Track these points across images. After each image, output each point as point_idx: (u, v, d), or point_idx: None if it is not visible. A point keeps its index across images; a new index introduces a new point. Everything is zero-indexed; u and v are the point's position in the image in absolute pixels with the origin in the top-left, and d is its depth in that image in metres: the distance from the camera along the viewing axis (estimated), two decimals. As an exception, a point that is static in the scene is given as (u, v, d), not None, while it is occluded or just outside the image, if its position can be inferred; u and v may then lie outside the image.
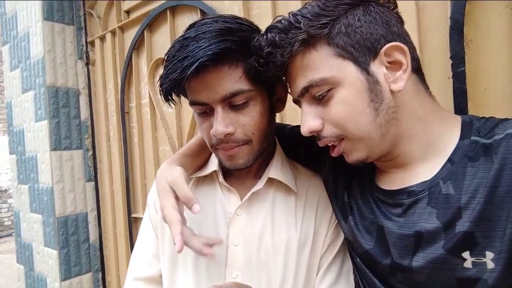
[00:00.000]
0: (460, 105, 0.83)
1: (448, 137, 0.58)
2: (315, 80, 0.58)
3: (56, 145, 1.97)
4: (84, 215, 2.09)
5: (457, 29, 0.83)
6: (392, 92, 0.57)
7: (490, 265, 0.51)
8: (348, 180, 0.72)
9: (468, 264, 0.52)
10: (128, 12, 1.83)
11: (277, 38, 0.57)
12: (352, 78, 0.56)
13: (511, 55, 0.79)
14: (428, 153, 0.59)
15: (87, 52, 2.07)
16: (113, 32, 1.90)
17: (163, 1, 1.60)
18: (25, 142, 2.17)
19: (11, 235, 7.16)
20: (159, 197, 0.69)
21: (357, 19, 0.56)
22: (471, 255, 0.52)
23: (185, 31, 0.66)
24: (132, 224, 1.91)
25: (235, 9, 1.34)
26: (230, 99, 0.64)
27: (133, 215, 1.90)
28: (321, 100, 0.58)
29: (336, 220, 0.76)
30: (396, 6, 0.61)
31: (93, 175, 2.12)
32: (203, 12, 1.45)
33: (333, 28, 0.56)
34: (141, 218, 1.82)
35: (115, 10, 1.88)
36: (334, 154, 0.63)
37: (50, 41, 1.95)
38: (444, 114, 0.61)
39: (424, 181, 0.58)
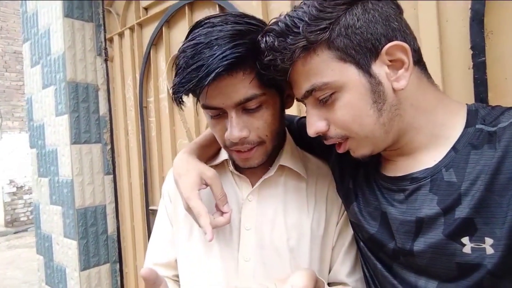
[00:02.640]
0: (481, 95, 0.84)
1: (452, 125, 0.58)
2: (318, 85, 0.58)
3: (76, 138, 2.02)
4: (103, 207, 2.14)
5: (478, 20, 0.85)
6: (394, 90, 0.57)
7: (490, 250, 0.51)
8: (355, 168, 0.73)
9: (467, 249, 0.53)
10: (146, 9, 1.87)
11: (276, 43, 0.56)
12: (354, 82, 0.56)
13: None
14: (432, 142, 0.59)
15: (105, 49, 2.12)
16: (131, 29, 1.94)
17: (182, -2, 1.63)
18: (45, 136, 2.23)
19: (27, 230, 7.32)
20: (181, 187, 0.71)
21: (356, 19, 0.55)
22: (471, 240, 0.53)
23: (193, 32, 0.65)
24: (150, 216, 1.95)
25: (254, 4, 1.37)
26: (243, 104, 0.65)
27: (151, 207, 1.94)
28: (325, 102, 0.59)
29: (345, 214, 0.77)
30: None
31: (112, 169, 2.17)
32: (221, 8, 1.48)
33: (333, 32, 0.55)
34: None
35: (133, 7, 1.92)
36: (340, 150, 0.64)
37: (70, 38, 2.00)
38: (448, 102, 0.61)
39: (427, 168, 0.59)
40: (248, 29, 0.64)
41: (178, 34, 1.71)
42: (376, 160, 0.69)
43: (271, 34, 0.57)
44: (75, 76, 2.02)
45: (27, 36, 2.34)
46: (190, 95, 0.68)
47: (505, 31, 0.84)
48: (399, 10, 0.60)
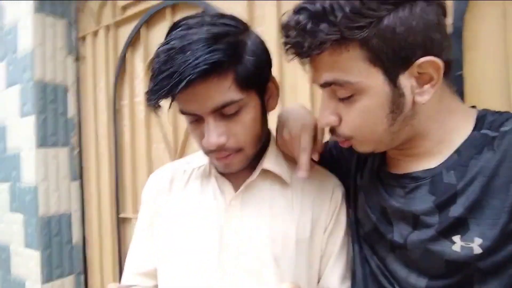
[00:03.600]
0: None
1: (460, 131, 0.59)
2: (340, 82, 0.56)
3: (42, 141, 1.90)
4: (68, 215, 2.02)
5: (457, 35, 0.89)
6: (414, 102, 0.56)
7: (477, 250, 0.52)
8: (362, 163, 0.75)
9: (456, 247, 0.54)
10: (124, 8, 1.81)
11: (308, 26, 0.52)
12: (378, 88, 0.55)
13: (506, 60, 0.84)
14: (439, 147, 0.60)
15: (77, 48, 2.03)
16: (107, 28, 1.87)
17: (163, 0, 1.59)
18: (6, 139, 2.08)
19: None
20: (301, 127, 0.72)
21: (399, 23, 0.51)
22: (461, 239, 0.54)
23: (170, 35, 0.64)
24: (120, 224, 1.86)
25: (238, 9, 1.35)
26: (221, 110, 0.63)
27: (121, 215, 1.85)
28: (343, 100, 0.58)
29: (335, 216, 0.77)
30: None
31: (79, 174, 2.06)
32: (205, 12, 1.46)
33: (370, 32, 0.51)
34: (130, 218, 1.79)
35: (109, 5, 1.85)
36: (345, 145, 0.65)
37: (41, 35, 1.89)
38: (460, 109, 0.61)
39: (429, 169, 0.60)
40: (225, 31, 0.61)
41: (158, 36, 1.66)
42: (381, 156, 0.70)
43: (304, 12, 0.53)
44: (44, 75, 1.91)
45: (-9, 31, 2.20)
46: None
47: (482, 47, 0.88)
48: (444, 15, 0.57)
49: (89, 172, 2.03)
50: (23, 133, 1.96)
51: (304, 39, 0.53)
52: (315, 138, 0.73)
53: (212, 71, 0.58)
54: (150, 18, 1.66)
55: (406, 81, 0.55)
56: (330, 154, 0.84)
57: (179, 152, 1.57)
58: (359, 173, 0.75)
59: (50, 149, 1.94)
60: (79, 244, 2.06)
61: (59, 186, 1.98)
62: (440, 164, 0.59)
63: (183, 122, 1.56)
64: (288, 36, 0.56)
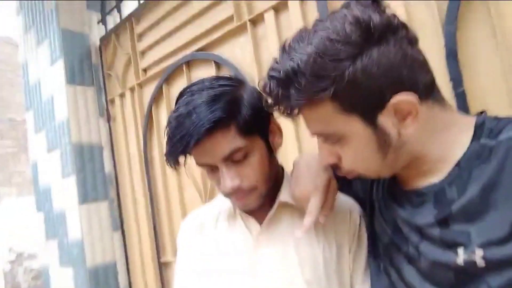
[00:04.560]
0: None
1: (460, 144, 0.58)
2: (324, 133, 0.61)
3: (84, 198, 2.07)
4: (113, 264, 2.14)
5: (452, 55, 0.97)
6: (400, 135, 0.58)
7: (480, 262, 0.52)
8: (379, 181, 0.78)
9: (460, 260, 0.54)
10: (145, 70, 2.00)
11: (279, 93, 0.56)
12: (360, 132, 0.57)
13: (503, 73, 0.91)
14: (441, 162, 0.60)
15: (107, 110, 2.23)
16: (131, 89, 2.06)
17: (179, 57, 1.76)
18: (52, 199, 2.27)
19: (27, 299, 7.04)
20: (312, 179, 0.74)
21: (360, 74, 0.53)
22: (465, 251, 0.54)
23: (178, 102, 0.74)
24: (162, 268, 1.96)
25: (247, 59, 1.50)
26: (230, 157, 0.71)
27: (162, 259, 1.96)
28: (334, 143, 0.62)
29: (357, 236, 0.82)
30: (408, 32, 0.57)
31: (120, 224, 2.20)
32: (217, 64, 1.61)
33: (337, 86, 0.53)
34: (170, 262, 1.89)
35: (132, 69, 2.05)
36: (350, 177, 0.69)
37: (74, 103, 2.11)
38: (457, 122, 0.60)
39: (432, 184, 0.61)
40: (222, 92, 0.72)
41: (177, 90, 1.80)
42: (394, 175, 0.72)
43: (273, 80, 0.57)
44: (80, 138, 2.10)
45: (30, 104, 2.44)
46: None
47: (478, 63, 0.95)
48: (413, 43, 0.57)
49: (129, 221, 2.17)
50: (66, 192, 2.13)
51: (279, 104, 0.59)
52: (326, 197, 0.75)
53: (216, 127, 0.68)
54: (169, 76, 1.84)
55: (385, 119, 0.56)
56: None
57: (209, 194, 1.69)
58: (374, 187, 0.78)
59: (92, 204, 2.10)
60: (126, 292, 2.17)
61: (103, 238, 2.12)
62: (443, 179, 0.59)
63: (209, 165, 1.68)
64: (267, 101, 0.61)
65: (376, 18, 0.53)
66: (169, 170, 1.90)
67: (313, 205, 0.72)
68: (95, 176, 2.15)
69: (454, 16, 0.96)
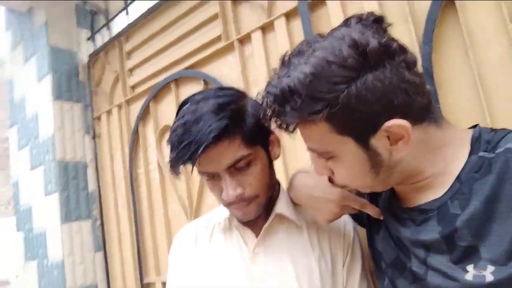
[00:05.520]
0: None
1: (457, 157, 0.59)
2: (317, 150, 0.62)
3: (67, 217, 2.02)
4: (94, 286, 2.08)
5: (428, 74, 1.00)
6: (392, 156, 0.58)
7: (489, 278, 0.52)
8: (378, 196, 0.78)
9: (469, 276, 0.54)
10: (133, 87, 2.01)
11: (276, 109, 0.57)
12: (352, 152, 0.58)
13: (475, 92, 0.95)
14: (441, 178, 0.60)
15: (93, 127, 2.21)
16: (119, 106, 2.06)
17: (167, 76, 1.78)
18: (33, 218, 2.21)
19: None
20: (327, 191, 0.75)
21: (354, 100, 0.53)
22: (474, 268, 0.54)
23: (181, 111, 0.75)
24: (145, 289, 1.91)
25: (234, 77, 1.52)
26: (234, 165, 0.73)
27: (145, 281, 1.91)
28: (328, 159, 0.63)
29: (351, 250, 0.83)
30: (405, 51, 0.57)
31: (102, 245, 2.15)
32: (205, 82, 1.63)
33: (331, 109, 0.53)
34: (154, 283, 1.85)
35: (120, 86, 2.05)
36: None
37: (59, 119, 2.09)
38: (454, 137, 0.61)
39: (434, 200, 0.60)
40: (227, 100, 0.73)
41: (165, 108, 1.83)
42: (393, 190, 0.72)
43: (270, 96, 0.58)
44: (65, 155, 2.07)
45: (14, 121, 2.41)
46: None
47: (453, 83, 0.99)
48: (410, 67, 0.57)
49: (112, 241, 2.11)
50: (48, 211, 2.08)
51: (276, 118, 0.59)
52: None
53: (223, 135, 0.69)
54: (157, 93, 1.84)
55: (377, 142, 0.57)
56: None
57: (194, 211, 1.67)
58: (373, 204, 0.77)
59: (74, 223, 2.05)
60: (106, 315, 2.09)
61: (84, 259, 2.06)
62: (444, 193, 0.59)
63: (195, 183, 1.67)
64: (265, 114, 0.61)
65: (373, 43, 0.53)
66: (154, 188, 1.88)
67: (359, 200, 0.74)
68: (79, 194, 2.11)
69: (430, 37, 1.01)
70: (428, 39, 1.01)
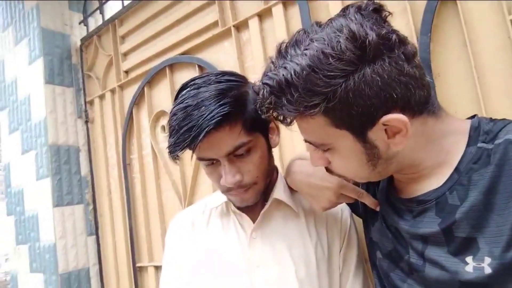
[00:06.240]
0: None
1: (455, 147, 0.58)
2: (313, 142, 0.62)
3: (59, 201, 2.02)
4: (86, 270, 2.09)
5: (426, 64, 1.01)
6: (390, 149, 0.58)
7: (487, 270, 0.52)
8: (375, 187, 0.78)
9: (469, 268, 0.54)
10: (127, 72, 1.99)
11: (272, 101, 0.56)
12: (349, 145, 0.58)
13: (472, 83, 0.96)
14: (438, 168, 0.60)
15: (86, 111, 2.19)
16: (112, 91, 2.04)
17: (162, 60, 1.76)
18: (24, 202, 2.20)
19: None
20: (324, 178, 0.75)
21: (351, 94, 0.52)
22: (473, 260, 0.54)
23: (181, 95, 0.73)
24: (138, 273, 1.92)
25: (231, 63, 1.51)
26: (234, 152, 0.72)
27: (138, 265, 1.92)
28: (325, 151, 0.63)
29: (347, 235, 0.84)
30: (404, 43, 0.55)
31: (95, 229, 2.15)
32: (200, 68, 1.62)
33: (328, 103, 0.53)
34: (146, 266, 1.86)
35: (114, 71, 2.03)
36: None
37: (52, 103, 2.06)
38: (453, 128, 0.60)
39: (432, 190, 0.60)
40: (229, 86, 0.73)
41: (159, 93, 1.82)
42: (389, 179, 0.72)
43: (267, 88, 0.57)
44: (57, 139, 2.06)
45: (5, 104, 2.38)
46: None
47: (450, 74, 1.00)
48: (410, 59, 0.56)
49: (104, 226, 2.12)
50: (39, 195, 2.07)
51: (273, 111, 0.59)
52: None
53: (225, 121, 0.69)
54: (151, 78, 1.83)
55: (375, 135, 0.56)
56: None
57: (188, 197, 1.68)
58: (373, 196, 0.78)
59: (66, 207, 2.05)
60: (98, 299, 2.11)
61: (76, 242, 2.06)
62: (442, 185, 0.59)
63: (189, 169, 1.68)
64: (262, 105, 0.60)
65: (372, 35, 0.51)
66: (148, 173, 1.88)
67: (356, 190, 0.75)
68: (71, 178, 2.10)
69: (428, 28, 1.01)
70: (427, 29, 1.01)
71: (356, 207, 0.87)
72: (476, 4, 0.95)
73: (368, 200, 0.75)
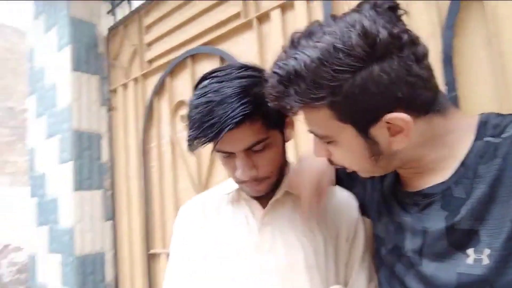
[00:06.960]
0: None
1: (462, 142, 0.58)
2: (317, 133, 0.63)
3: (78, 185, 2.08)
4: (102, 254, 2.14)
5: (448, 61, 1.00)
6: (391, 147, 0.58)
7: (485, 261, 0.52)
8: (380, 182, 0.78)
9: (470, 260, 0.54)
10: (150, 61, 2.03)
11: (280, 90, 0.57)
12: (351, 139, 0.59)
13: (495, 82, 0.94)
14: (444, 162, 0.60)
15: (109, 99, 2.25)
16: (135, 80, 2.08)
17: (184, 51, 1.79)
18: (46, 185, 2.27)
19: (10, 291, 6.93)
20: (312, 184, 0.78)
21: (358, 90, 0.53)
22: (475, 252, 0.54)
23: (202, 87, 0.74)
24: (150, 260, 1.96)
25: (251, 55, 1.52)
26: (251, 147, 0.73)
27: (151, 251, 1.96)
28: (328, 143, 0.63)
29: (354, 225, 0.84)
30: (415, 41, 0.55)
31: (112, 215, 2.20)
32: (222, 60, 1.64)
33: (334, 97, 0.54)
34: (159, 253, 1.89)
35: (138, 60, 2.08)
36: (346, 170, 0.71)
37: (77, 90, 2.13)
38: (460, 124, 0.60)
39: (438, 184, 0.60)
40: (251, 83, 0.72)
41: (180, 83, 1.85)
42: (394, 173, 0.72)
43: (276, 77, 0.57)
44: (80, 125, 2.12)
45: (33, 89, 2.46)
46: None
47: (473, 71, 0.98)
48: (420, 59, 0.55)
49: (121, 212, 2.17)
50: (61, 178, 2.14)
51: (280, 100, 0.59)
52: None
53: (245, 119, 0.69)
54: (173, 69, 1.86)
55: (378, 131, 0.57)
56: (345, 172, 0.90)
57: (203, 187, 1.70)
58: (376, 191, 0.78)
59: (86, 192, 2.11)
60: (111, 283, 2.16)
61: (93, 227, 2.12)
62: (448, 178, 0.59)
63: (205, 160, 1.70)
64: (270, 94, 0.61)
65: (384, 33, 0.52)
66: (165, 162, 1.92)
67: (305, 197, 0.78)
68: (92, 164, 2.16)
69: (452, 22, 1.00)
70: (451, 23, 1.00)
71: (360, 205, 0.87)
72: (501, 3, 0.93)
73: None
